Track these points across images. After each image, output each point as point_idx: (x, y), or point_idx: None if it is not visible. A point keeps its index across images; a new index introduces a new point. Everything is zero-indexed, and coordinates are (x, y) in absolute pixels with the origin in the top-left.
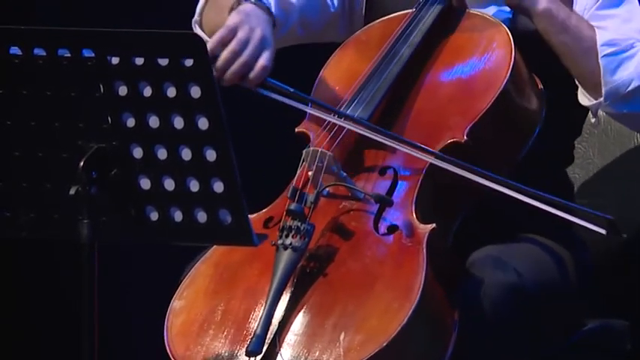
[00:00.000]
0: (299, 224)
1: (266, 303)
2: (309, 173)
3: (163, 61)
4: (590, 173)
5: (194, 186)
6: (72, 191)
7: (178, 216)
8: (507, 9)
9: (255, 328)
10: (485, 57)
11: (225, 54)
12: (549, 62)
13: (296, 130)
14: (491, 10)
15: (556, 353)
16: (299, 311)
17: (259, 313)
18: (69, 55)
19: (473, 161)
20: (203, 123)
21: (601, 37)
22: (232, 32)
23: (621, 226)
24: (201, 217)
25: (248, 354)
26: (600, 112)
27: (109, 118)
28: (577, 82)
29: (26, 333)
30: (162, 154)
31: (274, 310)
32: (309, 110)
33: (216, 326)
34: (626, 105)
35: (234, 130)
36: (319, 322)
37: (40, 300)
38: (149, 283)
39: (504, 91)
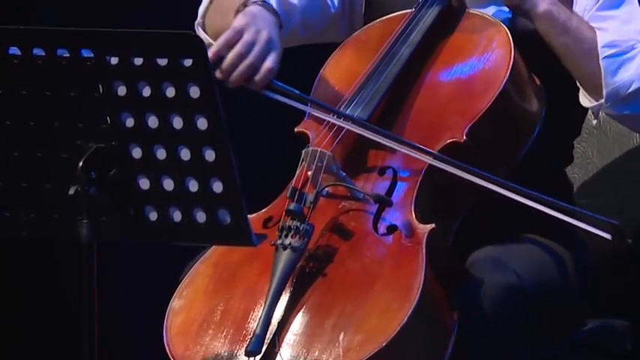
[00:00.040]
0: (298, 224)
1: (265, 303)
2: (309, 173)
3: (162, 61)
4: (590, 173)
5: (193, 186)
6: (71, 191)
7: (177, 216)
8: (507, 9)
9: (254, 328)
10: (484, 57)
11: (231, 56)
12: (549, 62)
13: (295, 129)
14: (490, 10)
15: (556, 353)
16: (298, 311)
17: (259, 313)
18: (68, 55)
19: (472, 161)
20: (202, 123)
21: (602, 39)
22: (238, 34)
23: (626, 230)
24: (201, 217)
25: (247, 354)
26: (600, 113)
27: (108, 118)
28: (578, 84)
29: (26, 333)
30: (161, 154)
31: (274, 310)
32: (310, 110)
33: (215, 326)
34: (626, 106)
35: (233, 130)
36: (318, 322)
37: (40, 300)
38: (149, 283)
39: (504, 91)
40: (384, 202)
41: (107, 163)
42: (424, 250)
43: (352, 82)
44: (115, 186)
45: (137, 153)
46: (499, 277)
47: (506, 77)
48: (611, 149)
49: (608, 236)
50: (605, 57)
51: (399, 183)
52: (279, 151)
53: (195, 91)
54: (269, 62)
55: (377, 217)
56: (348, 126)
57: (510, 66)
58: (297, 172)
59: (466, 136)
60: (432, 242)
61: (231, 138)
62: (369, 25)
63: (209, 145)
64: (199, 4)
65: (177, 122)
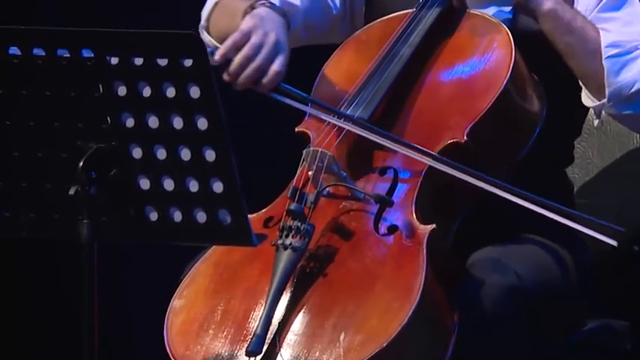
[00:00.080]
0: (299, 224)
1: (266, 303)
2: (309, 173)
3: (163, 62)
4: (590, 173)
5: (193, 186)
6: (71, 191)
7: (178, 216)
8: (507, 9)
9: (255, 328)
10: (485, 57)
11: (238, 58)
12: (549, 62)
13: (296, 129)
14: (491, 11)
15: (556, 353)
16: (299, 311)
17: (259, 313)
18: (68, 55)
19: (473, 161)
20: (202, 123)
21: (605, 39)
22: (246, 36)
23: (634, 238)
24: (201, 217)
25: (248, 354)
26: (602, 112)
27: (109, 118)
28: (580, 83)
29: (26, 333)
30: (161, 154)
31: (274, 310)
32: (314, 112)
33: (216, 326)
34: (629, 106)
35: (233, 129)
36: (319, 323)
37: (40, 300)
38: (149, 283)
39: (505, 91)
40: (384, 202)
41: (107, 163)
42: (425, 251)
43: (353, 82)
44: (115, 186)
45: (137, 153)
46: (499, 278)
47: (507, 77)
48: (612, 149)
49: (614, 243)
50: (609, 57)
51: (399, 183)
52: (280, 151)
53: (195, 91)
54: (276, 65)
55: (378, 218)
56: (351, 127)
57: (511, 66)
58: (298, 172)
59: (467, 136)
60: (432, 242)
61: (231, 138)
62: (369, 25)
63: (209, 145)
64: (199, 4)
65: (178, 122)
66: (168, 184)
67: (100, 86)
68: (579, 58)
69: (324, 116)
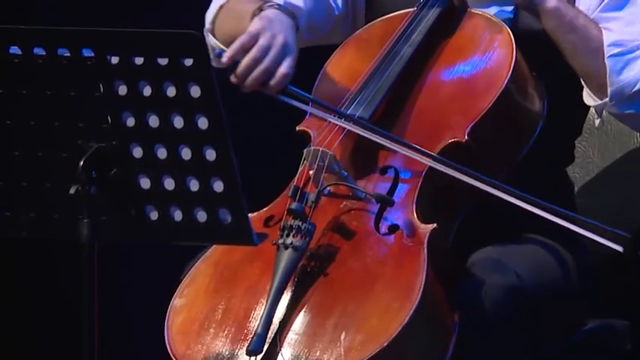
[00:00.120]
0: (300, 223)
1: (267, 302)
2: (310, 172)
3: (163, 61)
4: (590, 173)
5: (194, 185)
6: (72, 191)
7: (178, 215)
8: (509, 9)
9: (255, 327)
10: (486, 56)
11: (245, 61)
12: (550, 62)
13: (297, 128)
14: (492, 10)
15: (556, 353)
16: (300, 311)
17: (260, 312)
18: (69, 54)
19: (473, 160)
20: (203, 122)
21: (607, 38)
22: (254, 38)
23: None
24: (201, 216)
25: (249, 353)
26: (603, 112)
27: (109, 118)
28: (582, 82)
29: (26, 333)
30: (162, 153)
31: (275, 310)
32: (313, 111)
33: (216, 325)
34: (631, 105)
35: (234, 129)
36: (320, 322)
37: (40, 300)
38: (149, 283)
39: (506, 91)
40: (385, 201)
41: (108, 162)
42: (426, 250)
43: (354, 81)
44: (115, 185)
45: (138, 152)
46: (499, 278)
47: (508, 77)
48: (612, 149)
49: (620, 249)
50: (611, 56)
51: (400, 183)
52: (281, 150)
53: (195, 91)
54: (284, 67)
55: (378, 217)
56: (353, 128)
57: (512, 66)
58: (299, 171)
59: (468, 135)
60: (433, 242)
61: (231, 137)
62: (370, 23)
63: (210, 144)
64: (199, 4)
65: (178, 122)
66: (169, 184)
67: (101, 85)
68: (581, 57)
69: (326, 116)
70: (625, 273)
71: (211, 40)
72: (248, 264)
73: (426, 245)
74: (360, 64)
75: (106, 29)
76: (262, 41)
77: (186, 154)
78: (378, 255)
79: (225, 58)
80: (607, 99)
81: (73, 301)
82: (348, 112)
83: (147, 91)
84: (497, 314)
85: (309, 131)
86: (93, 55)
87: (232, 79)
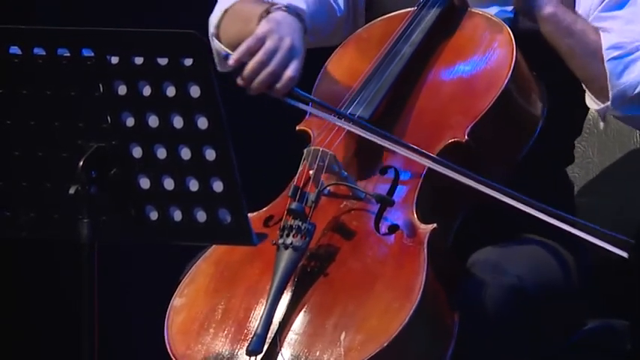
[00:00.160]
0: (300, 223)
1: (267, 302)
2: (310, 172)
3: (163, 61)
4: (590, 172)
5: (193, 185)
6: (72, 191)
7: (178, 215)
8: (509, 8)
9: (255, 327)
10: (486, 56)
11: (252, 63)
12: (550, 62)
13: (297, 128)
14: (493, 10)
15: (556, 353)
16: (300, 311)
17: (260, 312)
18: (68, 54)
19: (473, 160)
20: (202, 122)
21: (606, 41)
22: (260, 41)
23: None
24: (201, 216)
25: (249, 353)
26: (606, 115)
27: (109, 118)
28: (584, 86)
29: (26, 333)
30: (161, 153)
31: (275, 310)
32: (314, 111)
33: (216, 325)
34: (633, 108)
35: (233, 128)
36: (320, 322)
37: (40, 300)
38: (149, 283)
39: (506, 91)
40: (385, 201)
41: (108, 162)
42: (426, 250)
43: (354, 80)
44: (115, 185)
45: (137, 152)
46: (499, 278)
47: (509, 77)
48: (612, 149)
49: (624, 254)
50: (610, 59)
51: (400, 183)
52: (280, 150)
53: (195, 91)
54: (290, 70)
55: (378, 217)
56: (354, 129)
57: (512, 66)
58: (299, 171)
59: (468, 135)
60: (433, 242)
61: (231, 137)
62: (370, 23)
63: (209, 144)
64: (199, 4)
65: (178, 121)
66: (169, 184)
67: (101, 85)
68: (581, 61)
69: (326, 117)
70: (625, 273)
71: (217, 45)
72: (248, 264)
73: (426, 245)
74: (361, 63)
75: (105, 29)
76: (269, 44)
77: (185, 154)
78: (378, 255)
79: (231, 61)
80: (609, 103)
81: (73, 301)
82: (348, 112)
83: (147, 91)
84: (497, 314)
85: (309, 131)
86: (93, 55)
87: (239, 81)
